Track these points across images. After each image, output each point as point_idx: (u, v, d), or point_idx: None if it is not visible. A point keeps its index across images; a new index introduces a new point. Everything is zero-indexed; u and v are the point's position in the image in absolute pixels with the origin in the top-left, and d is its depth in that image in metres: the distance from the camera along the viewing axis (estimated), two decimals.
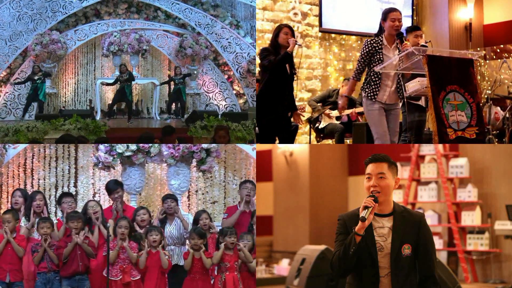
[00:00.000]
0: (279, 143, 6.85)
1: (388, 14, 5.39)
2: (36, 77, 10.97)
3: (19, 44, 11.56)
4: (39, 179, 6.30)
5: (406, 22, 8.90)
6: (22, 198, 5.16)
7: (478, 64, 11.13)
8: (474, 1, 11.42)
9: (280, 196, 9.07)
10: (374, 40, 5.42)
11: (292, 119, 6.21)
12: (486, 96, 9.47)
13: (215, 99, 12.67)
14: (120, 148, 5.68)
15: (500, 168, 7.24)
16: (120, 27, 12.23)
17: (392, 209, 2.94)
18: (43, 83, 11.08)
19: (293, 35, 5.90)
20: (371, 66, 5.42)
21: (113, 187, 5.31)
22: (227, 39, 12.36)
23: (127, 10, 12.60)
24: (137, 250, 4.66)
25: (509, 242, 6.93)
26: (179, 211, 5.23)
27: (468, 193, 7.28)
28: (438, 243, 7.21)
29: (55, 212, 6.04)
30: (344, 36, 10.83)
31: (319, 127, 8.22)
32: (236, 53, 12.33)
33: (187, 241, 5.19)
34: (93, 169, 6.29)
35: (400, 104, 5.68)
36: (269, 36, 7.76)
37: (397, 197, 7.45)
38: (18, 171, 6.25)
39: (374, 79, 5.40)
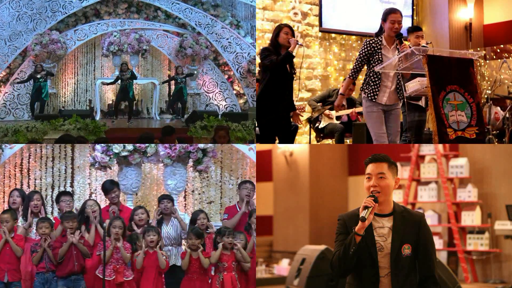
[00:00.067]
0: (279, 143, 6.84)
1: (388, 15, 5.38)
2: (38, 76, 10.97)
3: (18, 44, 11.55)
4: (35, 179, 6.29)
5: (406, 22, 8.90)
6: (20, 198, 5.17)
7: (478, 64, 11.13)
8: (474, 1, 11.42)
9: (280, 196, 9.06)
10: (373, 41, 5.42)
11: (291, 119, 6.20)
12: (486, 96, 9.46)
13: (215, 99, 12.66)
14: (116, 148, 5.68)
15: (500, 168, 7.24)
16: (120, 27, 12.22)
17: (392, 209, 2.93)
18: (46, 82, 11.08)
19: (293, 35, 5.90)
20: (371, 66, 5.41)
21: (109, 187, 5.31)
22: (227, 39, 12.35)
23: (127, 10, 12.59)
24: (131, 251, 4.66)
25: (509, 242, 6.92)
26: (177, 211, 5.22)
27: (468, 193, 7.28)
28: (438, 243, 7.21)
29: (52, 212, 6.04)
30: (344, 36, 10.82)
31: (319, 127, 8.21)
32: (236, 53, 12.33)
33: (184, 241, 5.19)
34: (90, 169, 6.29)
35: (400, 104, 5.67)
36: (269, 36, 7.75)
37: (397, 197, 7.45)
38: (15, 171, 6.24)
39: (373, 80, 5.40)
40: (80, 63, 12.58)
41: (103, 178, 5.97)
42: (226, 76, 12.82)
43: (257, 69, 7.51)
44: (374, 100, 5.40)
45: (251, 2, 12.11)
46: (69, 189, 6.29)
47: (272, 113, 5.87)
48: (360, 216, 2.79)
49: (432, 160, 7.62)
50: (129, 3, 12.58)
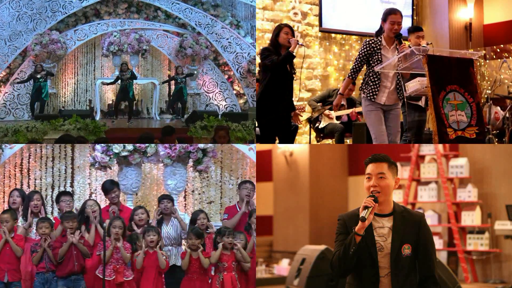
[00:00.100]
0: (279, 143, 6.84)
1: (388, 16, 5.38)
2: (38, 76, 10.97)
3: (18, 44, 11.55)
4: (35, 179, 6.29)
5: (406, 22, 8.88)
6: (20, 198, 5.17)
7: (478, 64, 11.12)
8: (474, 1, 11.41)
9: (280, 196, 9.06)
10: (373, 41, 5.42)
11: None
12: (486, 96, 9.46)
13: (215, 99, 12.66)
14: (116, 148, 5.68)
15: (500, 168, 7.23)
16: (120, 27, 12.22)
17: (392, 209, 2.93)
18: (46, 82, 11.08)
19: (293, 35, 5.90)
20: (370, 66, 5.41)
21: (109, 187, 5.30)
22: (227, 39, 12.34)
23: (127, 10, 12.58)
24: (131, 251, 4.66)
25: (509, 242, 6.92)
26: (177, 211, 5.22)
27: (468, 193, 7.28)
28: (438, 243, 7.20)
29: (51, 212, 6.03)
30: (344, 36, 10.82)
31: (319, 127, 8.21)
32: (236, 53, 12.32)
33: (184, 241, 5.19)
34: (90, 169, 6.28)
35: (400, 104, 5.67)
36: (269, 36, 7.74)
37: (397, 197, 7.44)
38: (15, 171, 6.23)
39: (372, 80, 5.40)
40: (80, 63, 12.57)
41: (103, 178, 5.96)
42: (226, 76, 12.82)
43: (257, 69, 7.51)
44: (373, 100, 5.41)
45: (251, 2, 12.10)
46: (69, 189, 6.28)
47: (272, 113, 5.87)
48: (360, 216, 2.78)
49: (432, 160, 7.62)
50: (129, 3, 12.57)
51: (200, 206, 6.37)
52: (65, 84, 12.46)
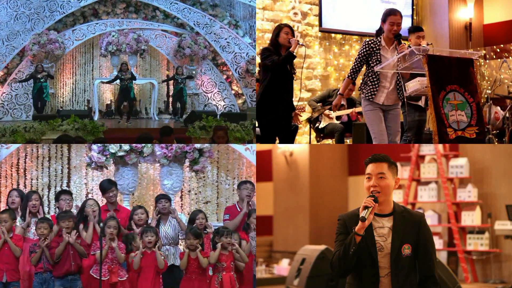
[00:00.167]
0: (279, 143, 6.82)
1: (388, 16, 5.36)
2: (39, 76, 10.95)
3: (16, 44, 11.53)
4: (32, 179, 6.28)
5: (406, 22, 8.87)
6: (19, 198, 5.15)
7: (478, 64, 11.12)
8: (474, 1, 11.41)
9: (280, 196, 9.04)
10: (372, 41, 5.41)
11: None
12: (486, 96, 9.46)
13: (214, 99, 12.64)
14: (113, 148, 5.68)
15: (500, 168, 7.22)
16: (118, 27, 12.20)
17: (392, 209, 2.93)
18: (46, 82, 11.07)
19: (293, 35, 5.88)
20: (370, 66, 5.40)
21: (107, 186, 5.28)
22: (225, 39, 12.33)
23: (125, 9, 12.57)
24: (125, 251, 4.64)
25: (509, 242, 6.90)
26: (175, 212, 5.20)
27: (468, 193, 7.26)
28: (438, 243, 7.19)
29: (48, 212, 6.01)
30: (344, 36, 10.80)
31: (319, 127, 8.20)
32: (235, 53, 12.31)
33: (182, 241, 5.17)
34: (86, 169, 6.27)
35: (400, 104, 5.65)
36: (269, 36, 7.73)
37: (397, 197, 7.43)
38: (11, 171, 6.22)
39: (371, 80, 5.40)
40: (78, 63, 12.56)
41: (99, 178, 5.96)
42: (225, 76, 12.81)
43: (257, 69, 7.49)
44: (371, 100, 5.41)
45: (250, 2, 12.10)
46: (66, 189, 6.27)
47: (273, 113, 5.86)
48: (360, 216, 2.78)
49: (432, 160, 7.60)
50: (127, 3, 12.56)
51: (197, 206, 6.37)
52: (63, 84, 12.45)
